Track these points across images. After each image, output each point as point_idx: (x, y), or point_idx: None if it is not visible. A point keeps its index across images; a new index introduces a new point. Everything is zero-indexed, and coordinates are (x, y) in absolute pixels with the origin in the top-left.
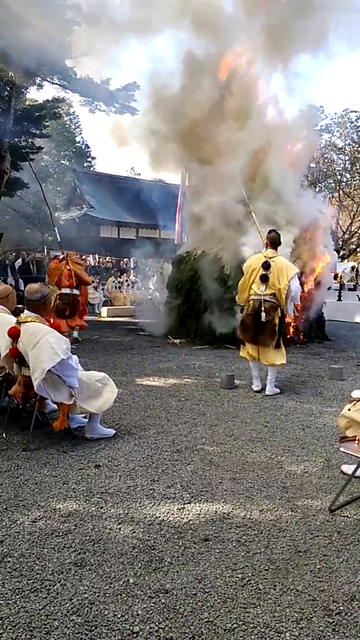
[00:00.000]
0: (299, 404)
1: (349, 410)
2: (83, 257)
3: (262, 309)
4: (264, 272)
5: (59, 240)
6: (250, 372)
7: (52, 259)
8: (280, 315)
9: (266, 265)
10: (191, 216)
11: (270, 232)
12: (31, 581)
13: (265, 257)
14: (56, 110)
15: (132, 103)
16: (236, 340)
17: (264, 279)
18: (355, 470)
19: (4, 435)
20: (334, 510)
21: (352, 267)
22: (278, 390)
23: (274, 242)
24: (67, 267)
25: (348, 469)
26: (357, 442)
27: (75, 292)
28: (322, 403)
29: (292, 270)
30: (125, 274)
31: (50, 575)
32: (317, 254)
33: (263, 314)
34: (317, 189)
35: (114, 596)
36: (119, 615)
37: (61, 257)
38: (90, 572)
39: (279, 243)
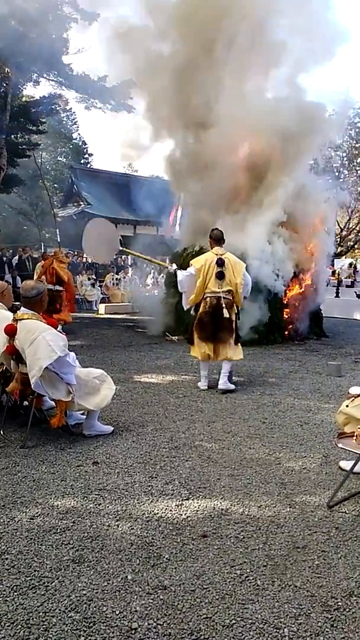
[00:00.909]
0: (297, 400)
1: (347, 406)
2: (80, 253)
3: (223, 305)
4: (220, 269)
5: (59, 240)
6: (247, 369)
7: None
8: (236, 311)
9: (221, 262)
10: (187, 210)
11: (212, 230)
12: (29, 578)
13: (216, 254)
14: (53, 107)
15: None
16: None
17: (221, 275)
18: (354, 466)
19: (1, 432)
20: (332, 506)
21: (350, 264)
22: (233, 386)
23: (217, 239)
24: (52, 265)
25: (346, 464)
26: (355, 438)
27: (58, 288)
28: (320, 399)
29: (243, 264)
30: (123, 271)
31: (48, 572)
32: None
33: (225, 311)
34: None
35: (112, 593)
36: (117, 612)
37: (51, 254)
38: (88, 568)
39: (223, 239)
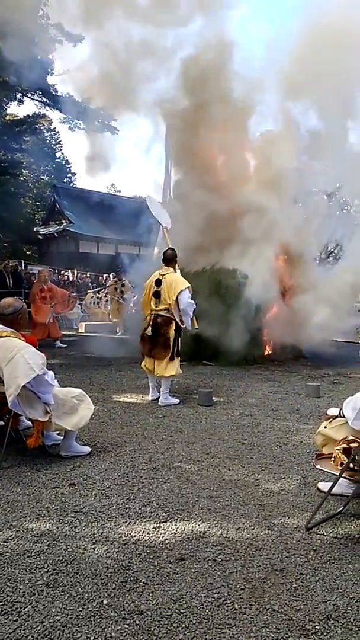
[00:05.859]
0: (276, 421)
1: (325, 427)
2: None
3: (155, 323)
4: (156, 289)
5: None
6: (227, 389)
7: None
8: (175, 328)
9: (158, 282)
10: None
11: (166, 250)
12: (1, 603)
13: (159, 274)
14: (36, 126)
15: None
16: (215, 356)
17: (156, 295)
18: (331, 487)
19: None
20: (311, 528)
21: None
22: (176, 401)
23: (166, 259)
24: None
25: (324, 486)
26: (333, 459)
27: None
28: (298, 420)
29: (181, 285)
30: (103, 290)
31: (22, 597)
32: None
33: (150, 329)
34: None
35: (86, 618)
36: (91, 638)
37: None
38: (62, 593)
39: (173, 260)
